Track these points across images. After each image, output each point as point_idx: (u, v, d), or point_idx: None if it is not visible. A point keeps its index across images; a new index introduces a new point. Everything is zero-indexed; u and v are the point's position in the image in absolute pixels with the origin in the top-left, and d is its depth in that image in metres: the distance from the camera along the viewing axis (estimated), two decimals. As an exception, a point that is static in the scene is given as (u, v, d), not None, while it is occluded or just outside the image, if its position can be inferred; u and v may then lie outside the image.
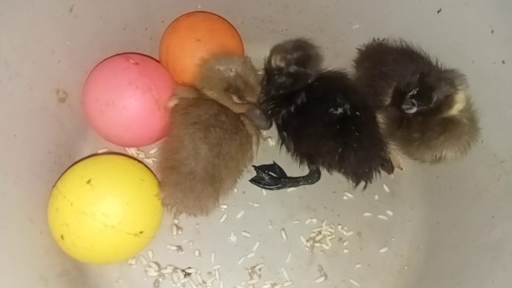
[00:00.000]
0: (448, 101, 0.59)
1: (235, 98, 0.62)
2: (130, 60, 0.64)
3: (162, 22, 0.72)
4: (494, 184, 0.60)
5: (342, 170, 0.65)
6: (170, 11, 0.71)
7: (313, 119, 0.63)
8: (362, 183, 0.66)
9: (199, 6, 0.73)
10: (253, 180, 0.71)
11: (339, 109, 0.62)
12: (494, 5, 0.58)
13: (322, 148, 0.64)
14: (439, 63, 0.65)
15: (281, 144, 0.69)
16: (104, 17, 0.65)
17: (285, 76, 0.64)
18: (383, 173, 0.72)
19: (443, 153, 0.62)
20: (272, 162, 0.73)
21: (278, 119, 0.67)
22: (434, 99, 0.59)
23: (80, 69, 0.66)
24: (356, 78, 0.71)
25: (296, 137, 0.66)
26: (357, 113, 0.62)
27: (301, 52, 0.64)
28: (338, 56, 0.76)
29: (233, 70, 0.62)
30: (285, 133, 0.67)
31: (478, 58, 0.61)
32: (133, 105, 0.62)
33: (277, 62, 0.65)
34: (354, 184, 0.66)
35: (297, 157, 0.67)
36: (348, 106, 0.62)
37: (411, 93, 0.59)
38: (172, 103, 0.63)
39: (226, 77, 0.62)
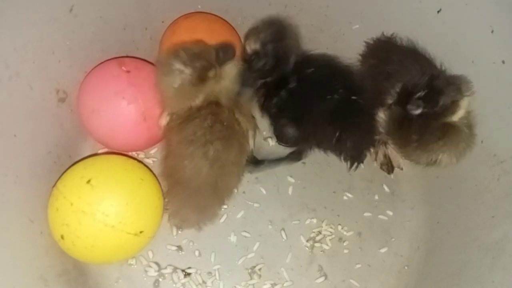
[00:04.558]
0: (453, 106, 0.59)
1: (211, 73, 0.57)
2: (123, 68, 0.63)
3: (162, 22, 0.72)
4: (494, 184, 0.60)
5: (338, 152, 0.66)
6: (170, 11, 0.71)
7: (309, 105, 0.60)
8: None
9: (199, 6, 0.73)
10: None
11: (335, 95, 0.60)
12: (494, 5, 0.58)
13: (320, 133, 0.62)
14: (442, 67, 0.64)
15: (277, 133, 0.66)
16: (104, 17, 0.65)
17: (263, 57, 0.59)
18: (383, 173, 0.73)
19: (439, 157, 0.62)
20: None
21: (272, 108, 0.63)
22: (441, 103, 0.58)
23: (80, 69, 0.66)
24: (360, 74, 0.70)
25: (294, 123, 0.63)
26: (353, 97, 0.61)
27: (274, 27, 0.60)
28: (338, 56, 0.76)
29: (180, 67, 0.56)
30: (285, 120, 0.63)
31: (478, 58, 0.61)
32: (118, 115, 0.62)
33: (251, 46, 0.59)
34: (349, 165, 0.66)
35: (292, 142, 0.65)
36: (343, 91, 0.60)
37: (419, 94, 0.59)
38: (164, 121, 0.61)
39: (184, 75, 0.57)
